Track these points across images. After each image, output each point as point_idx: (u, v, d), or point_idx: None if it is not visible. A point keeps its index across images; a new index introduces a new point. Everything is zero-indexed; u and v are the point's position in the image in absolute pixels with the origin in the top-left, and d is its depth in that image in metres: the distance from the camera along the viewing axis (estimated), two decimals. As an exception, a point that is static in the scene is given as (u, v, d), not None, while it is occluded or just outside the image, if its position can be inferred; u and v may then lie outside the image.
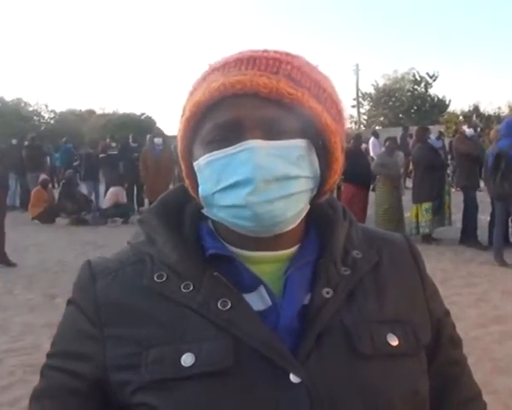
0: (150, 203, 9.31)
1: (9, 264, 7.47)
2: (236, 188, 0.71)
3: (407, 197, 8.70)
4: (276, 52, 0.77)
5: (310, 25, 76.97)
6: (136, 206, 12.50)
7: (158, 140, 10.69)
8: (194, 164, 0.77)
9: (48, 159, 15.92)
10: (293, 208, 0.74)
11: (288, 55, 0.77)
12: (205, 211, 0.78)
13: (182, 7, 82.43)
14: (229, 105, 0.73)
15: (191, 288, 0.75)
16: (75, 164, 14.14)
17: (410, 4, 68.63)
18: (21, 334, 4.84)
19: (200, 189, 0.77)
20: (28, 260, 7.94)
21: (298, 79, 0.74)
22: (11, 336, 4.79)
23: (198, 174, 0.77)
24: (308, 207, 0.78)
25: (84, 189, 13.43)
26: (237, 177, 0.71)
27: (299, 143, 0.74)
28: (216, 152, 0.73)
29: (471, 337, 4.29)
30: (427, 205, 7.98)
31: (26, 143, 14.18)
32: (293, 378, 0.69)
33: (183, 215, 0.85)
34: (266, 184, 0.70)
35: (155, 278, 0.77)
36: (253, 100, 0.72)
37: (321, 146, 0.76)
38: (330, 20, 75.61)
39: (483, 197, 8.37)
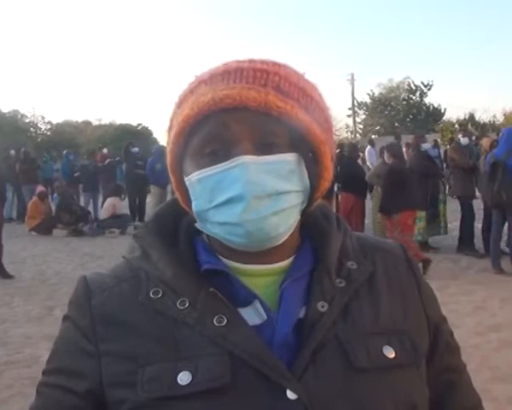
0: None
1: (7, 276, 7.42)
2: (229, 205, 0.71)
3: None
4: (262, 62, 0.76)
5: (305, 35, 77.34)
6: (137, 217, 12.32)
7: None
8: (186, 179, 0.77)
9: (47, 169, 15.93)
10: (285, 223, 0.74)
11: (274, 64, 0.77)
12: (199, 225, 0.78)
13: (176, 17, 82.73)
14: (219, 118, 0.72)
15: (187, 304, 0.75)
16: (76, 174, 14.11)
17: (405, 13, 69.03)
18: (20, 346, 4.80)
19: (193, 205, 0.77)
20: (26, 271, 7.91)
21: (286, 91, 0.74)
22: (9, 349, 4.75)
23: (190, 190, 0.77)
24: (299, 218, 0.78)
25: (82, 200, 13.40)
26: (229, 193, 0.71)
27: (290, 158, 0.74)
28: (207, 169, 0.73)
29: (469, 345, 4.28)
30: (420, 213, 7.97)
31: (21, 156, 14.13)
32: (290, 395, 0.69)
33: (178, 229, 0.85)
34: (258, 200, 0.70)
35: (151, 295, 0.76)
36: (242, 113, 0.72)
37: (311, 157, 0.76)
38: (325, 31, 76.02)
39: (480, 205, 8.38)
